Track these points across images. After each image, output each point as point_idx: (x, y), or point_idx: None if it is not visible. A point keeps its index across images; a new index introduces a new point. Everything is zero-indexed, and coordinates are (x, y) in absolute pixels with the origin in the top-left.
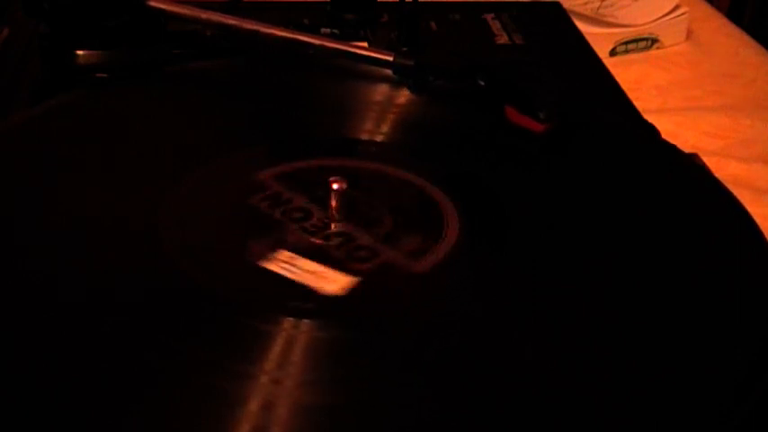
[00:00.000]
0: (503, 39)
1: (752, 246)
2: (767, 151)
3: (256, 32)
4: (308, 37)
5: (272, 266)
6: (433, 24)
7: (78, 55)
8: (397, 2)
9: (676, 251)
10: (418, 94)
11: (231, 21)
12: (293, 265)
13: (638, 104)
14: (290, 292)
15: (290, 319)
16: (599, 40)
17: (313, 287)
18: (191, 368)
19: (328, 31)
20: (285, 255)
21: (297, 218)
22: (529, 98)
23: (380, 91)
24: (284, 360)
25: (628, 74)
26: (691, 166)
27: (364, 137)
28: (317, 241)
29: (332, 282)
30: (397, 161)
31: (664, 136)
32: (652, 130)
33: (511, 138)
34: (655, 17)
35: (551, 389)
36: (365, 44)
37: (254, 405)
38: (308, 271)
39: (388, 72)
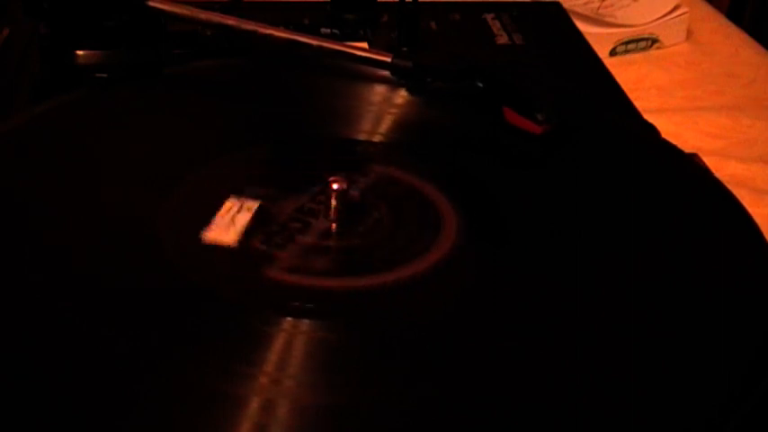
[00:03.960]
0: (503, 39)
1: (752, 246)
2: (767, 151)
3: (256, 33)
4: (307, 38)
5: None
6: (432, 24)
7: (78, 55)
8: (397, 2)
9: (676, 251)
10: (417, 95)
11: (231, 21)
12: (237, 212)
13: (638, 104)
14: (290, 292)
15: (290, 319)
16: (599, 40)
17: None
18: (191, 369)
19: (328, 31)
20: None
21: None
22: (527, 100)
23: (379, 91)
24: (284, 360)
25: (628, 74)
26: (691, 166)
27: (363, 137)
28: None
29: (221, 234)
30: (396, 161)
31: (664, 136)
32: (652, 130)
33: (510, 138)
34: (655, 17)
35: (551, 389)
36: (365, 44)
37: (254, 405)
38: (230, 221)
39: (388, 72)
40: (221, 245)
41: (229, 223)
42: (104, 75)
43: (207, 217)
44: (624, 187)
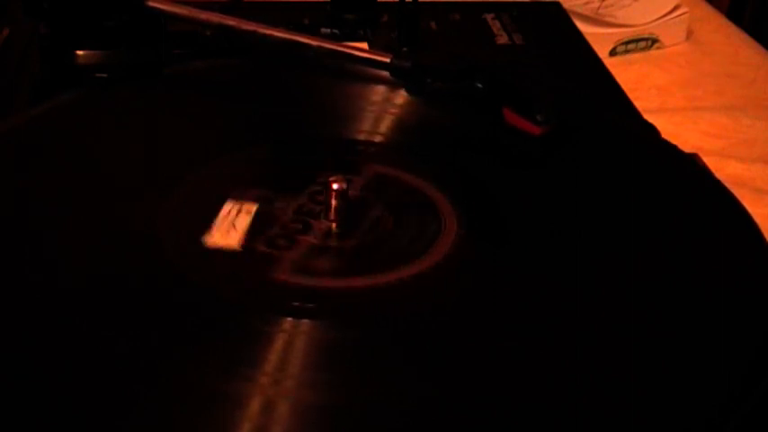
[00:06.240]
0: (503, 39)
1: (752, 246)
2: (767, 151)
3: (256, 33)
4: (307, 38)
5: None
6: (432, 24)
7: (78, 55)
8: (397, 2)
9: (676, 251)
10: (416, 95)
11: (231, 21)
12: (236, 215)
13: (638, 104)
14: (290, 292)
15: (290, 319)
16: (599, 40)
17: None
18: (191, 369)
19: (328, 31)
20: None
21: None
22: (527, 101)
23: (379, 91)
24: (284, 360)
25: (628, 74)
26: (691, 166)
27: (363, 137)
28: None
29: (223, 238)
30: (396, 161)
31: (664, 136)
32: (652, 130)
33: (510, 138)
34: (655, 17)
35: (551, 389)
36: (365, 44)
37: (254, 406)
38: (230, 225)
39: (387, 73)
40: (225, 249)
41: (230, 227)
42: (104, 75)
43: (207, 217)
44: (624, 187)
